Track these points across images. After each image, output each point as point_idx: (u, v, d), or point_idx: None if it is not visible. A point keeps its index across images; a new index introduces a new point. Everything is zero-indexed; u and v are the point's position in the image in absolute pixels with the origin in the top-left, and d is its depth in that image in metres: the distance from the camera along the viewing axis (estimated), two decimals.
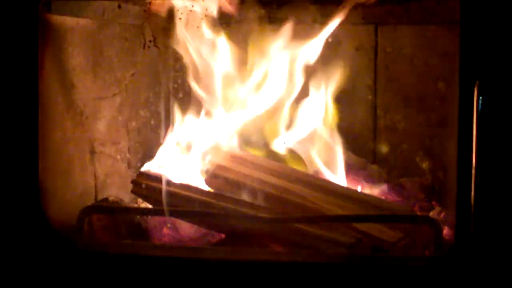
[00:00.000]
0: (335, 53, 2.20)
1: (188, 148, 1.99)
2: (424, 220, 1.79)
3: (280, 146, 2.09)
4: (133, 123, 2.20)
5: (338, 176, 2.05)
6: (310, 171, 2.04)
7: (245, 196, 1.85)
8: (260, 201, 1.83)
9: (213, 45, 2.01)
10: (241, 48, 2.05)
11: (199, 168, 1.97)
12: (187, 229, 1.92)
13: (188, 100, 2.05)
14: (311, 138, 2.10)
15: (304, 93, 2.12)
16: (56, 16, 1.77)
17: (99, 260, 1.65)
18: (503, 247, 1.53)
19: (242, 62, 2.06)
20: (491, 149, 1.52)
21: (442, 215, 1.96)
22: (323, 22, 2.03)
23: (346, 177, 2.06)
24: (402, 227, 1.77)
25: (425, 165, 2.23)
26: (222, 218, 1.80)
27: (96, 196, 2.00)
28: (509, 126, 1.52)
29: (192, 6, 1.91)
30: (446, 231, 1.79)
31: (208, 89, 2.04)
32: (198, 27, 1.95)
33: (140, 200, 1.99)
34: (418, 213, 2.01)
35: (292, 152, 2.09)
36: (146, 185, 1.89)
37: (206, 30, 1.98)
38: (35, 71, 1.65)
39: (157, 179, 1.87)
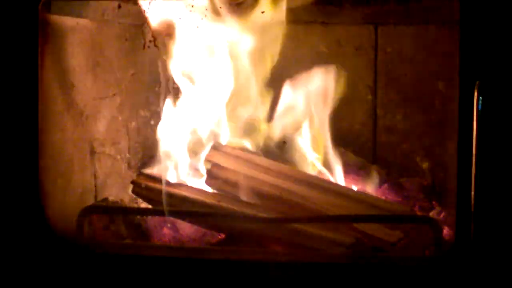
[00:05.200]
0: (335, 53, 2.21)
1: (188, 148, 1.99)
2: (424, 220, 1.79)
3: (280, 145, 2.09)
4: (133, 123, 2.20)
5: (338, 176, 2.05)
6: (310, 170, 2.05)
7: (245, 196, 1.85)
8: (260, 201, 1.83)
9: (212, 44, 2.01)
10: (240, 48, 2.05)
11: (199, 168, 1.97)
12: (187, 229, 1.92)
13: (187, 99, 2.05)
14: (311, 138, 2.11)
15: (303, 93, 2.12)
16: (56, 16, 1.77)
17: (99, 260, 1.65)
18: (503, 247, 1.53)
19: (241, 61, 2.06)
20: (491, 149, 1.52)
21: (442, 215, 1.96)
22: (323, 22, 2.03)
23: (346, 177, 2.06)
24: (402, 227, 1.77)
25: (425, 165, 2.23)
26: (222, 218, 1.80)
27: (96, 196, 2.00)
28: (509, 126, 1.52)
29: (192, 6, 1.91)
30: (446, 231, 1.79)
31: (207, 88, 2.04)
32: (198, 27, 1.95)
33: (140, 200, 1.99)
34: (418, 213, 2.01)
35: (291, 151, 2.10)
36: (146, 186, 1.89)
37: (206, 30, 1.98)
38: (35, 71, 1.65)
39: (157, 179, 1.87)
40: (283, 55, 2.10)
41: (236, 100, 2.07)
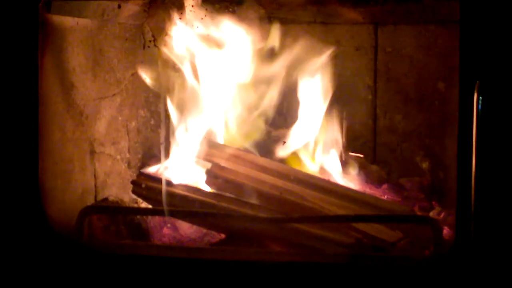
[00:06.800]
0: (335, 53, 2.21)
1: (188, 148, 1.99)
2: (424, 220, 1.79)
3: (280, 145, 2.09)
4: (133, 123, 2.20)
5: (338, 176, 2.05)
6: (310, 170, 2.05)
7: (245, 196, 1.85)
8: (260, 201, 1.83)
9: (212, 44, 2.01)
10: (240, 48, 2.05)
11: (199, 168, 1.97)
12: (187, 229, 1.92)
13: (187, 100, 2.05)
14: (311, 138, 2.11)
15: (303, 93, 2.12)
16: (56, 16, 1.77)
17: (99, 260, 1.65)
18: (503, 247, 1.53)
19: (240, 62, 2.06)
20: (491, 149, 1.52)
21: (442, 215, 1.96)
22: (323, 22, 2.03)
23: (347, 177, 2.06)
24: (402, 227, 1.77)
25: (425, 165, 2.23)
26: (222, 218, 1.80)
27: (96, 196, 2.00)
28: (509, 126, 1.52)
29: (192, 6, 1.91)
30: (446, 231, 1.79)
31: (207, 89, 2.04)
32: (198, 27, 1.95)
33: (140, 200, 1.99)
34: (418, 213, 2.01)
35: (292, 151, 2.10)
36: (146, 186, 1.89)
37: (206, 30, 1.98)
38: (35, 71, 1.65)
39: (157, 179, 1.87)
40: (283, 55, 2.10)
41: (236, 100, 2.08)
